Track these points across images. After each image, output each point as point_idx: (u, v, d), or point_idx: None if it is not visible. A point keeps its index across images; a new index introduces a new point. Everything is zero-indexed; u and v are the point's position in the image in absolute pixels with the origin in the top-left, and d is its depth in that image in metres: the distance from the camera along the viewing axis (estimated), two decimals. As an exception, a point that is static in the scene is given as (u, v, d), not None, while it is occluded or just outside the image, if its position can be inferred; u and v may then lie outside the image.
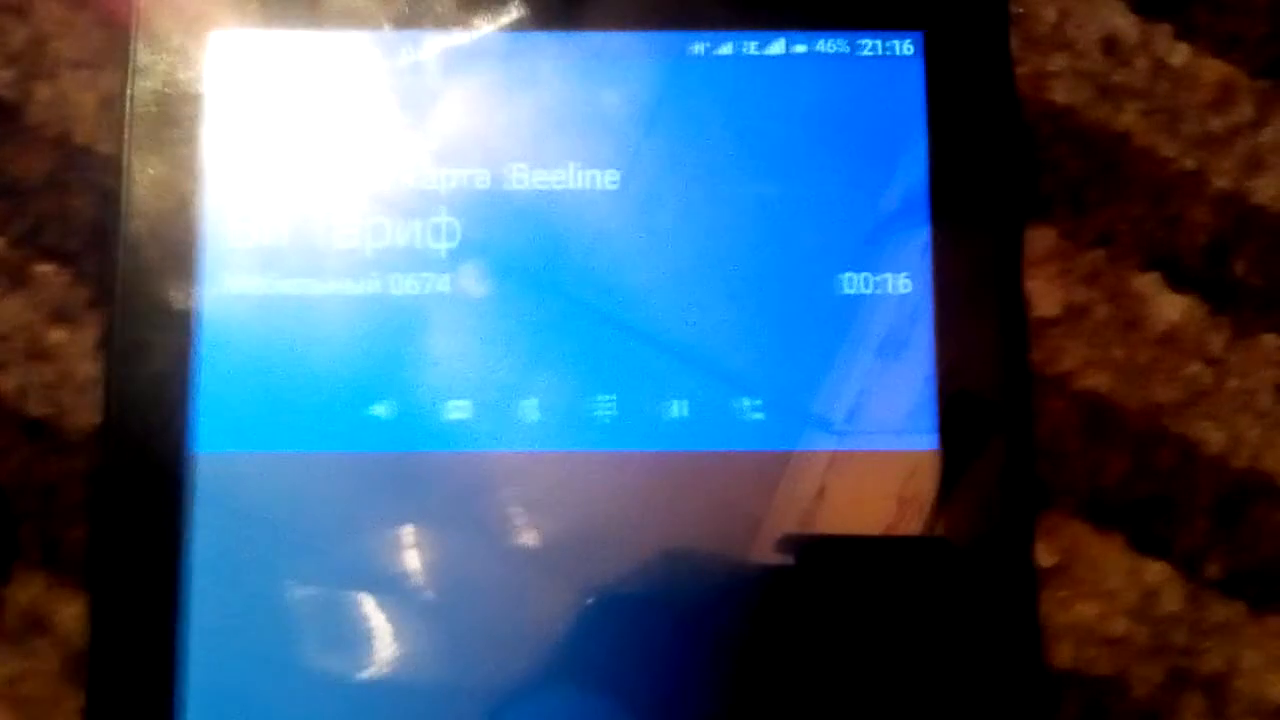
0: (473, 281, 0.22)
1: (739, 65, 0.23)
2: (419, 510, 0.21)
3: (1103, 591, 0.23)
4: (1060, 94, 0.24)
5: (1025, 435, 0.23)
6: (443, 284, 0.22)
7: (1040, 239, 0.24)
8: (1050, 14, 0.24)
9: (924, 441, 0.22)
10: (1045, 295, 0.24)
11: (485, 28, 0.23)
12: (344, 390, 0.22)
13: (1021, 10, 0.24)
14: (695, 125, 0.23)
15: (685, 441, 0.22)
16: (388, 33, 0.23)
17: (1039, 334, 0.23)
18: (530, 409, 0.22)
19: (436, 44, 0.23)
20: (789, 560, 0.22)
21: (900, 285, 0.22)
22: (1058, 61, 0.24)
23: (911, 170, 0.23)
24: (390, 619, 0.21)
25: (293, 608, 0.21)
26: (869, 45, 0.23)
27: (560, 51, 0.23)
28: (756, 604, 0.21)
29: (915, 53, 0.23)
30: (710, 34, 0.23)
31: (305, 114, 0.23)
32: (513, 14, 0.23)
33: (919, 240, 0.22)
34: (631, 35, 0.23)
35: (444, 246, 0.22)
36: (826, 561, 0.22)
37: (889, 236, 0.22)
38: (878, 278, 0.22)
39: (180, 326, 0.22)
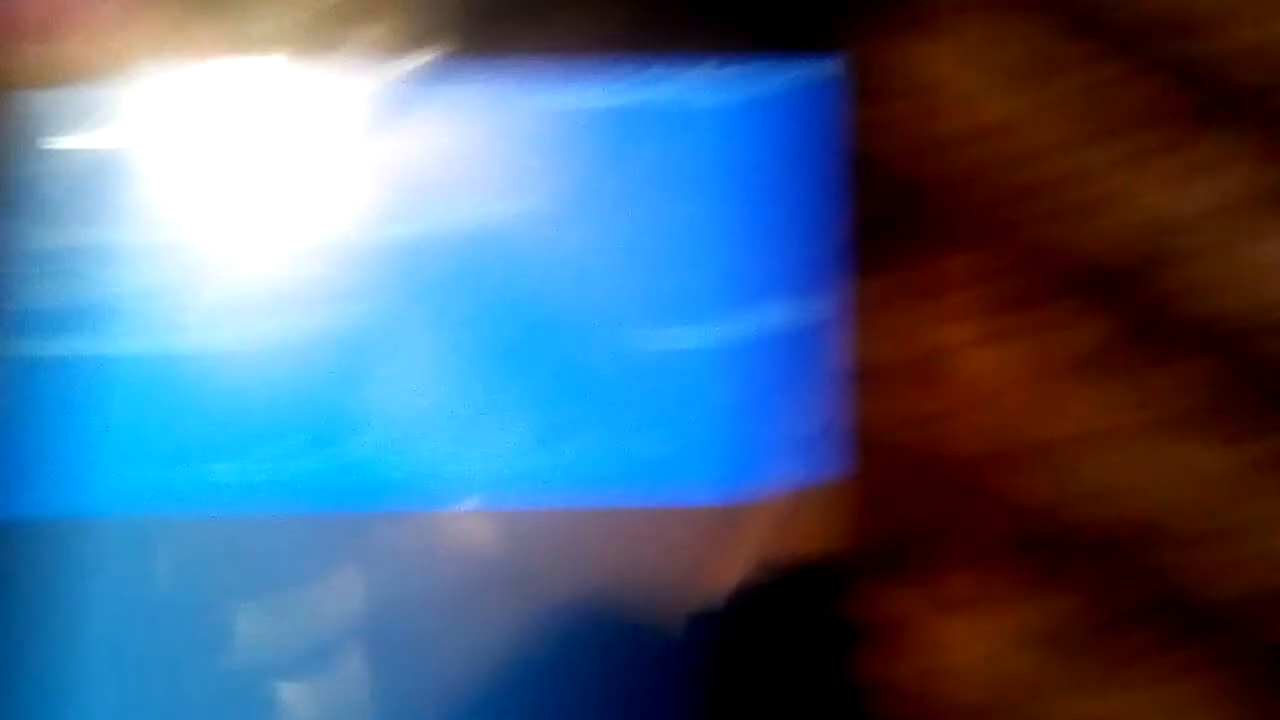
0: (314, 335, 0.21)
1: (644, 93, 0.22)
2: (238, 576, 0.20)
3: (937, 645, 0.23)
4: (983, 114, 0.24)
5: (856, 487, 0.23)
6: (277, 337, 0.21)
7: (953, 270, 0.24)
8: (977, 32, 0.24)
9: (756, 494, 0.22)
10: (955, 328, 0.23)
11: (347, 72, 0.21)
12: (156, 452, 0.21)
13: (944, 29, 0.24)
14: (573, 166, 0.22)
15: (536, 498, 0.21)
16: (239, 69, 0.21)
17: (874, 385, 0.23)
18: (373, 468, 0.21)
19: (295, 85, 0.21)
20: (633, 614, 0.21)
21: (733, 337, 0.22)
22: (982, 80, 0.24)
23: (828, 197, 0.22)
24: (219, 687, 0.20)
25: (106, 678, 0.20)
26: (788, 71, 0.22)
27: (449, 91, 0.21)
28: (590, 661, 0.21)
29: (837, 78, 0.22)
30: (603, 67, 0.22)
31: (138, 160, 0.21)
32: (394, 55, 0.21)
33: (830, 270, 0.22)
34: (543, 64, 0.22)
35: (292, 297, 0.21)
36: (665, 614, 0.21)
37: (801, 266, 0.22)
38: (715, 330, 0.22)
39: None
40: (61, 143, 0.21)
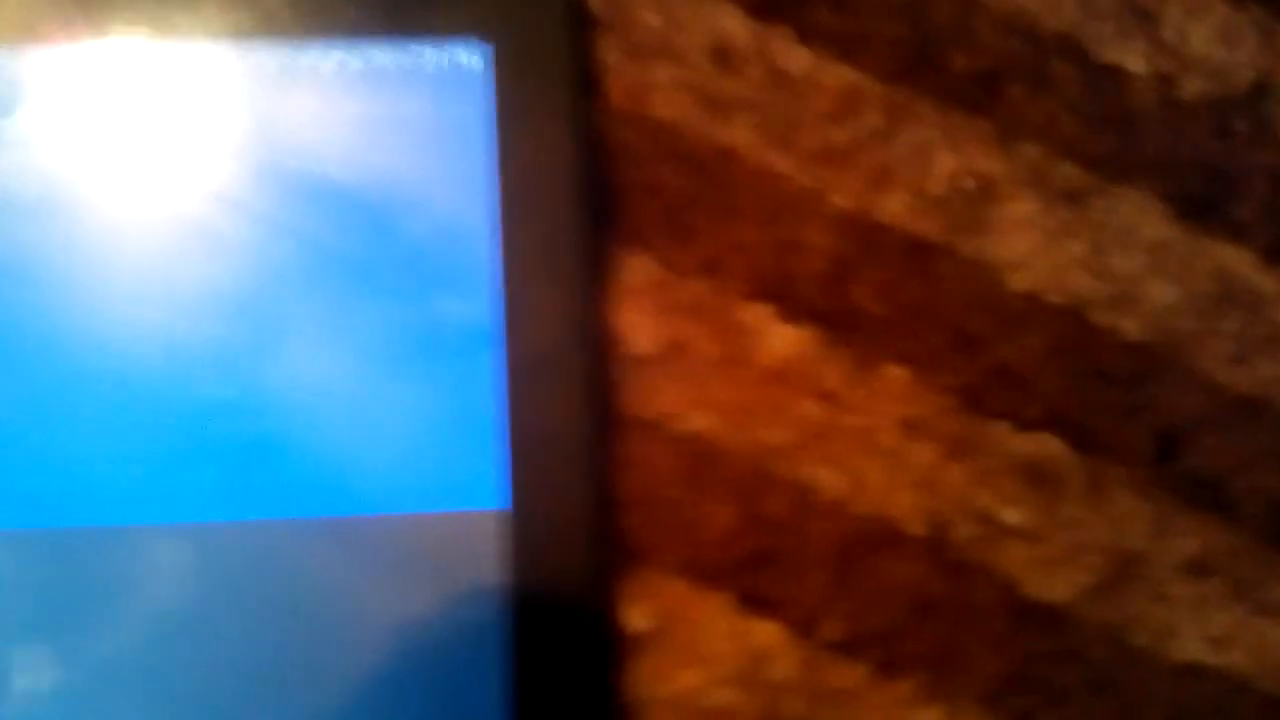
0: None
1: (286, 79, 0.20)
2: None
3: (706, 657, 0.21)
4: (663, 108, 0.22)
5: (607, 486, 0.21)
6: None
7: (638, 268, 0.22)
8: (653, 20, 0.22)
9: (494, 500, 0.20)
10: (641, 330, 0.21)
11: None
12: None
13: (617, 16, 0.22)
14: (233, 150, 0.20)
15: (230, 510, 0.19)
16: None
17: (634, 373, 0.21)
18: (68, 478, 0.19)
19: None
20: (352, 631, 0.19)
21: (468, 321, 0.20)
22: (661, 72, 0.22)
23: (480, 195, 0.20)
24: None
25: None
26: (434, 57, 0.21)
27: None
28: (329, 685, 0.19)
29: (484, 66, 0.21)
30: (252, 44, 0.20)
31: None
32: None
33: (488, 273, 0.20)
34: (170, 46, 0.20)
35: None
36: (393, 633, 0.19)
37: (456, 269, 0.20)
38: (444, 316, 0.20)
39: None
40: None
